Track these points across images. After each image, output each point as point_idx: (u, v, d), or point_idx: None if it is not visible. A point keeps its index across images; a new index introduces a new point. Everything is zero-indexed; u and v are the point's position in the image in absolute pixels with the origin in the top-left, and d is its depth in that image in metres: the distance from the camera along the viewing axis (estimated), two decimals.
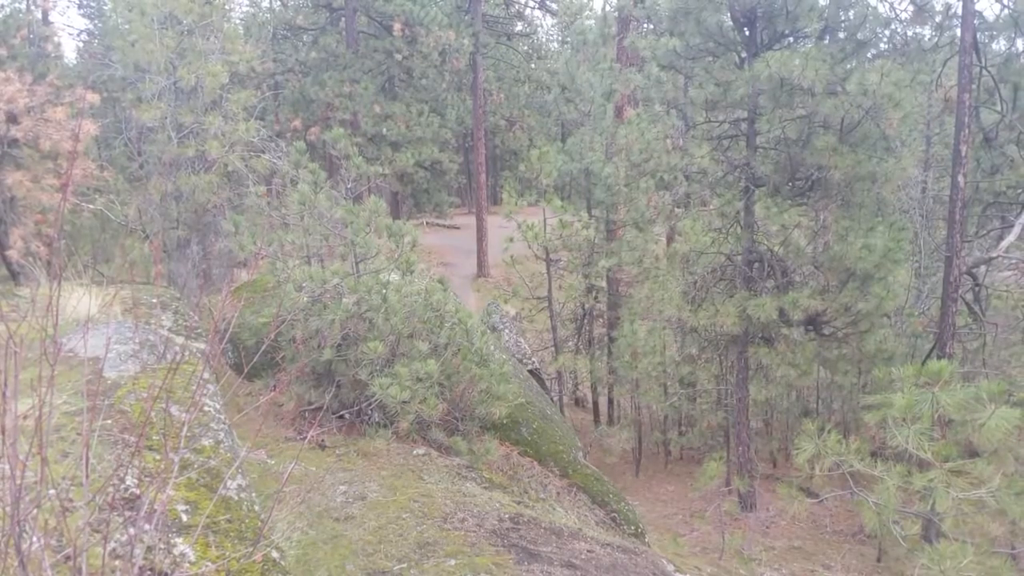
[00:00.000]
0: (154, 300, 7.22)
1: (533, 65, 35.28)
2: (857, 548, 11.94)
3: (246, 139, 14.04)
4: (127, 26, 16.34)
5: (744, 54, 12.51)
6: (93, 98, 16.12)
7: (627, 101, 18.58)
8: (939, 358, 10.50)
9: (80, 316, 5.41)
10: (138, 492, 2.99)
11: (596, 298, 19.28)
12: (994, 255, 15.47)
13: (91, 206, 14.50)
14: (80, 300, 5.71)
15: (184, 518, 3.12)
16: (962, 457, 4.63)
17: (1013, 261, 16.93)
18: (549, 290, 19.15)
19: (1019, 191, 17.62)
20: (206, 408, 4.29)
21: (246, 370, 6.91)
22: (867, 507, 4.83)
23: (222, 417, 4.35)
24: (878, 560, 11.30)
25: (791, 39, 12.75)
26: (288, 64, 26.54)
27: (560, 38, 37.09)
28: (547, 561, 6.24)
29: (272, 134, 17.18)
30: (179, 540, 2.95)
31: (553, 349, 19.51)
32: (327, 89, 24.77)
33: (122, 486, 3.00)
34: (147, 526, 2.62)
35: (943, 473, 4.52)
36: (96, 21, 33.48)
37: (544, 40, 39.57)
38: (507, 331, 16.12)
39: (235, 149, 13.97)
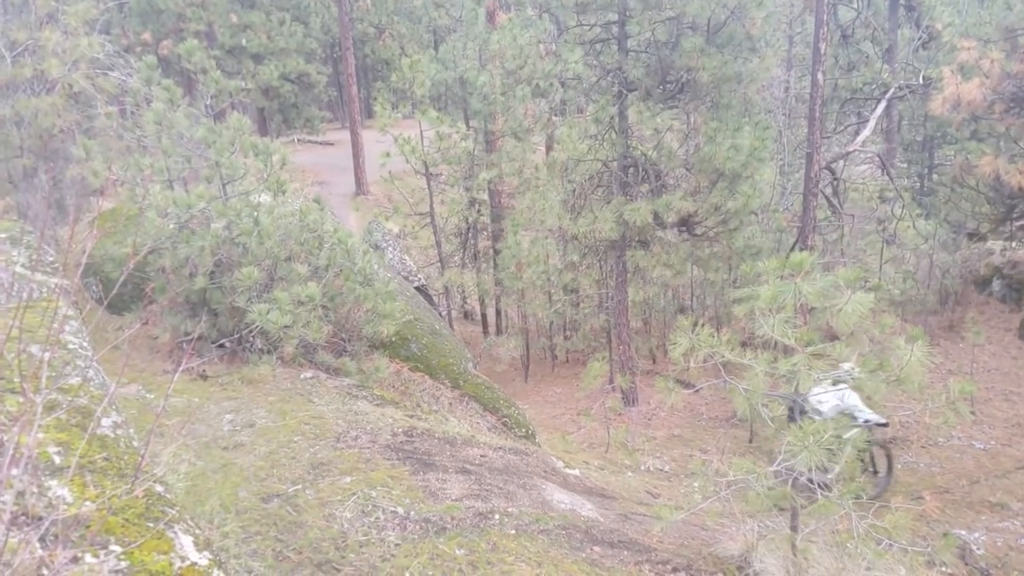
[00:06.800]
0: (2, 235, 6.64)
1: None
2: (731, 432, 12.86)
3: (90, 56, 12.80)
4: None
5: None
6: None
7: (498, 5, 18.16)
8: (801, 250, 11.19)
9: None
10: (2, 438, 2.81)
11: (479, 211, 19.22)
12: (851, 149, 16.47)
13: None
14: None
15: (57, 460, 2.97)
16: (822, 341, 4.97)
17: (868, 155, 18.09)
18: (431, 205, 18.91)
19: (873, 87, 18.67)
20: (70, 345, 4.03)
21: (107, 302, 6.51)
22: (738, 393, 5.15)
23: (89, 353, 4.11)
24: (750, 441, 12.23)
25: None
26: None
27: None
28: (442, 469, 6.39)
29: (119, 49, 15.73)
30: (53, 483, 2.81)
31: (439, 265, 19.46)
32: None
33: None
34: (15, 471, 2.46)
35: (805, 357, 4.84)
36: None
37: None
38: (390, 249, 15.91)
39: (79, 67, 12.74)
